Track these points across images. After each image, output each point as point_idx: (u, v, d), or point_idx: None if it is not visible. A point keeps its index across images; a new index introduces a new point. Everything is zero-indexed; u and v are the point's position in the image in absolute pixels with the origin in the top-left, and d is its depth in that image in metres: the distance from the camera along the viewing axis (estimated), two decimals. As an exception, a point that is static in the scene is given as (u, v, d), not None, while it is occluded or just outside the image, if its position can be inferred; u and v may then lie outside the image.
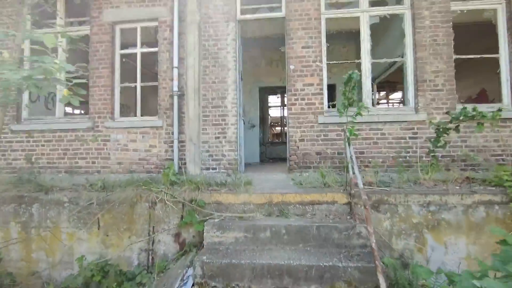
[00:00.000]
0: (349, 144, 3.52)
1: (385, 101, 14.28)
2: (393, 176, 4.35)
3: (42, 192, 4.05)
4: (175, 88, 5.77)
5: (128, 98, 8.93)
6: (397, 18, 6.10)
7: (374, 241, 2.37)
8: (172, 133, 5.78)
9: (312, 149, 5.50)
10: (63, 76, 5.99)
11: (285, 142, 6.26)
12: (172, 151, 5.77)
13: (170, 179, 3.94)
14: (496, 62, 5.64)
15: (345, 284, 2.65)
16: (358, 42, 6.11)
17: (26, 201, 4.02)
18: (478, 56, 5.48)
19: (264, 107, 11.77)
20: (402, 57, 5.76)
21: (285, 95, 8.43)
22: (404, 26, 5.62)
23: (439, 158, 4.86)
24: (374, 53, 5.70)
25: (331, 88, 8.77)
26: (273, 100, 13.37)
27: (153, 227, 3.77)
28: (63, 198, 3.95)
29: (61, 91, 3.54)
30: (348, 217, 3.39)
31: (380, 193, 3.47)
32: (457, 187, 3.64)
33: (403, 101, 13.40)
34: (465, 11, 5.60)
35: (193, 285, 2.84)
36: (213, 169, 5.78)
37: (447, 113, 4.25)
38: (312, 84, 5.57)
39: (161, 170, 5.53)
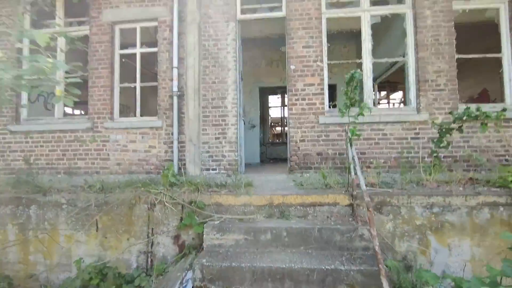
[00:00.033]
0: (351, 145, 3.47)
1: (385, 101, 14.22)
2: (395, 177, 4.30)
3: (40, 194, 4.00)
4: (175, 88, 5.73)
5: (128, 99, 8.88)
6: (398, 18, 6.06)
7: (378, 244, 2.32)
8: (172, 134, 5.73)
9: (313, 150, 5.45)
10: (61, 75, 6.00)
11: (286, 143, 6.21)
12: (172, 151, 5.73)
13: (170, 180, 3.88)
14: (498, 61, 5.59)
15: None
16: (359, 42, 6.07)
17: (23, 203, 3.97)
18: (481, 55, 5.42)
19: (264, 107, 11.74)
20: (404, 57, 5.71)
21: (286, 95, 8.38)
22: (405, 25, 5.57)
23: (441, 159, 4.81)
24: (375, 53, 5.66)
25: (332, 88, 8.72)
26: (274, 100, 13.33)
27: (152, 229, 3.71)
28: (61, 199, 3.90)
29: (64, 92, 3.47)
30: (350, 219, 3.33)
31: (383, 194, 3.42)
32: (461, 188, 3.58)
33: (404, 101, 13.35)
34: (467, 11, 5.56)
35: (192, 288, 2.79)
36: (213, 169, 5.73)
37: (450, 113, 4.20)
38: (313, 84, 5.52)
39: (161, 171, 5.48)
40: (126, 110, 9.69)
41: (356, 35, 8.07)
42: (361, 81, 3.64)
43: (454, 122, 4.01)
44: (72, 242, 3.83)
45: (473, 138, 5.16)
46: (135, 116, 6.16)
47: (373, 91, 5.58)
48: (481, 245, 3.20)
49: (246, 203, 3.60)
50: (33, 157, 6.08)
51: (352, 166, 3.39)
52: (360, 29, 5.66)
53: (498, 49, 5.45)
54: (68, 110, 13.65)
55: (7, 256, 3.95)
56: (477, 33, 7.46)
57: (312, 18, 5.58)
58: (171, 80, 5.79)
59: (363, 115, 3.40)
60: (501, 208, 3.21)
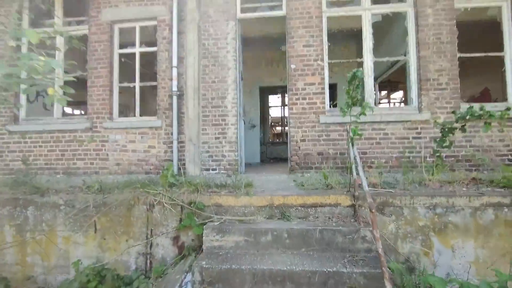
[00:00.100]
0: (352, 145, 3.43)
1: (386, 100, 14.17)
2: (397, 177, 4.25)
3: (37, 195, 3.95)
4: (174, 88, 5.68)
5: (128, 98, 8.84)
6: (399, 16, 6.00)
7: (381, 246, 2.26)
8: (172, 134, 5.69)
9: (314, 150, 5.40)
10: (60, 74, 5.95)
11: (286, 142, 6.16)
12: (172, 151, 5.68)
13: (169, 181, 3.83)
14: (499, 60, 5.54)
15: (350, 290, 2.55)
16: (359, 42, 6.01)
17: (21, 204, 3.92)
18: (483, 54, 5.36)
19: (264, 107, 11.69)
20: (405, 55, 5.66)
21: (286, 95, 8.33)
22: (407, 24, 5.52)
23: (444, 159, 4.75)
24: (376, 52, 5.61)
25: (332, 88, 8.68)
26: (274, 100, 13.27)
27: (151, 230, 3.67)
28: (59, 200, 3.85)
29: (57, 91, 3.42)
30: (352, 220, 3.28)
31: (385, 195, 3.36)
32: (464, 189, 3.53)
33: (404, 101, 13.30)
34: (469, 9, 5.51)
35: (192, 291, 2.74)
36: (213, 170, 5.68)
37: (452, 112, 4.14)
38: (313, 84, 5.47)
39: (160, 171, 5.44)
40: (126, 110, 9.65)
41: (356, 34, 8.04)
42: (362, 80, 3.58)
43: (457, 121, 3.95)
44: (70, 244, 3.78)
45: (476, 138, 5.11)
46: (134, 116, 6.11)
47: (374, 90, 5.52)
48: (485, 246, 3.14)
49: (246, 204, 3.55)
50: (32, 158, 6.04)
51: (354, 166, 3.34)
52: (361, 28, 5.61)
53: (500, 48, 5.40)
54: (68, 110, 13.63)
55: (5, 257, 3.90)
56: (479, 32, 7.42)
57: (313, 17, 5.52)
58: (171, 79, 5.75)
59: (365, 114, 3.35)
60: (506, 209, 3.16)
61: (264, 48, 9.58)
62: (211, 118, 5.72)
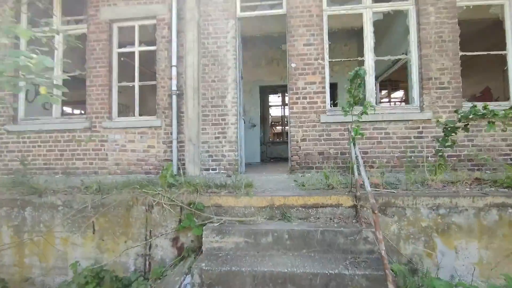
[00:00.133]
0: (354, 144, 3.38)
1: (386, 99, 14.13)
2: (399, 177, 4.20)
3: (35, 195, 3.90)
4: (174, 87, 5.64)
5: (128, 98, 8.77)
6: (401, 15, 5.95)
7: (384, 248, 2.22)
8: (171, 133, 5.64)
9: (314, 149, 5.35)
10: (60, 72, 5.91)
11: (286, 142, 6.13)
12: (171, 151, 5.64)
13: (168, 181, 3.79)
14: (500, 59, 5.49)
15: (352, 292, 2.50)
16: (360, 40, 5.97)
17: (18, 204, 3.87)
18: (485, 52, 5.31)
19: (264, 106, 11.65)
20: (406, 54, 5.61)
21: (286, 94, 8.28)
22: (408, 22, 5.48)
23: (446, 158, 4.70)
24: (376, 51, 5.56)
25: (333, 87, 8.63)
26: (274, 99, 13.23)
27: (150, 231, 3.62)
28: (57, 201, 3.80)
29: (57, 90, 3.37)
30: (354, 220, 3.23)
31: (387, 195, 3.31)
32: (467, 189, 3.48)
33: (405, 100, 13.26)
34: (471, 7, 5.45)
35: (191, 293, 2.70)
36: (213, 169, 5.64)
37: (455, 111, 4.10)
38: (314, 83, 5.43)
39: (160, 171, 5.39)
40: (126, 109, 9.59)
41: (357, 33, 8.01)
42: (363, 79, 3.53)
43: (459, 120, 3.90)
44: (68, 245, 3.73)
45: (478, 137, 5.07)
46: (134, 115, 6.06)
47: (375, 89, 5.47)
48: (489, 247, 3.09)
49: (247, 204, 3.50)
50: (31, 158, 6.00)
51: (355, 166, 3.30)
52: (362, 26, 5.56)
53: (503, 47, 5.34)
54: (68, 110, 13.58)
55: (2, 259, 3.86)
56: (481, 30, 7.37)
57: (313, 15, 5.48)
58: (170, 79, 5.70)
59: (367, 113, 3.30)
60: (510, 210, 3.11)
61: (264, 47, 9.55)
62: (211, 118, 5.68)
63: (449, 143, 3.94)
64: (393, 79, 11.08)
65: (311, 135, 5.37)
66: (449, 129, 3.94)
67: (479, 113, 3.64)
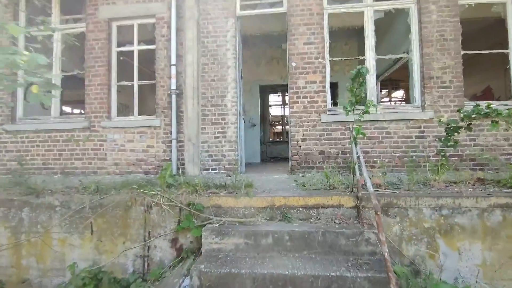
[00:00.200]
0: (355, 144, 3.33)
1: (387, 99, 14.08)
2: (401, 177, 4.15)
3: (33, 196, 3.85)
4: (173, 87, 5.59)
5: (128, 98, 8.73)
6: (402, 13, 5.90)
7: (387, 250, 2.17)
8: (170, 133, 5.59)
9: (315, 149, 5.30)
10: (58, 72, 5.86)
11: (286, 141, 6.08)
12: (171, 151, 5.59)
13: (167, 181, 3.74)
14: (502, 58, 5.43)
15: (354, 295, 2.46)
16: (360, 39, 5.91)
17: (16, 205, 3.83)
18: (488, 51, 5.25)
19: (264, 106, 11.61)
20: (408, 53, 5.56)
21: (286, 93, 8.23)
22: (409, 21, 5.42)
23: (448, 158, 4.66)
24: (377, 50, 5.50)
25: (333, 86, 8.58)
26: (274, 98, 13.19)
27: (149, 232, 3.57)
28: (55, 201, 3.76)
29: (56, 90, 3.32)
30: (355, 221, 3.19)
31: (389, 195, 3.27)
32: (470, 189, 3.44)
33: (406, 99, 13.20)
34: (473, 5, 5.40)
35: (190, 295, 2.65)
36: (212, 169, 5.59)
37: (458, 110, 4.05)
38: (314, 82, 5.38)
39: (159, 171, 5.35)
40: (125, 109, 9.53)
41: (357, 32, 7.96)
42: (365, 78, 3.47)
43: (462, 120, 3.85)
44: (66, 246, 3.68)
45: (480, 137, 5.02)
46: (133, 115, 6.01)
47: (376, 88, 5.43)
48: (492, 249, 3.05)
49: (246, 205, 3.45)
50: (29, 157, 5.96)
51: (357, 166, 3.25)
52: (363, 25, 5.51)
53: (505, 45, 5.29)
54: (67, 110, 13.53)
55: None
56: (482, 29, 7.32)
57: (314, 14, 5.42)
58: (169, 78, 5.65)
59: (368, 113, 3.25)
60: (514, 210, 3.07)
61: (264, 46, 9.50)
62: (211, 117, 5.63)
63: (451, 143, 3.88)
64: (394, 78, 11.04)
65: (312, 134, 5.32)
66: (451, 128, 3.89)
67: (482, 112, 3.58)
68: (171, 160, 5.53)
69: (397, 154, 5.13)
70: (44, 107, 7.22)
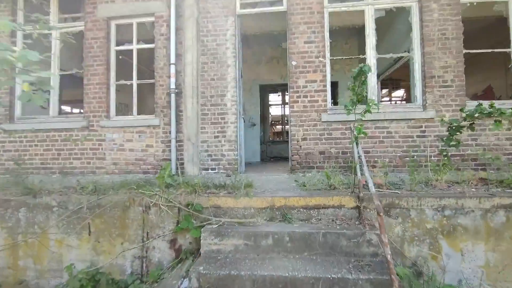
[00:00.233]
0: (357, 144, 3.28)
1: (387, 98, 14.04)
2: (402, 177, 4.11)
3: (30, 196, 3.81)
4: (173, 86, 5.54)
5: (127, 97, 8.69)
6: (403, 11, 5.85)
7: (390, 252, 2.12)
8: (170, 132, 5.54)
9: (315, 149, 5.26)
10: (56, 71, 5.81)
11: (286, 141, 6.04)
12: (170, 151, 5.54)
13: (166, 181, 3.69)
14: (503, 58, 5.39)
15: (356, 298, 2.41)
16: (361, 38, 5.86)
17: (12, 205, 3.79)
18: (489, 50, 5.21)
19: (264, 105, 11.55)
20: (409, 52, 5.51)
21: (286, 93, 8.18)
22: (411, 19, 5.37)
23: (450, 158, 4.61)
24: (378, 48, 5.45)
25: (333, 86, 8.54)
26: (274, 98, 13.15)
27: (147, 232, 3.53)
28: (52, 202, 3.71)
29: (49, 88, 3.27)
30: (357, 222, 3.14)
31: (391, 196, 3.23)
32: (473, 189, 3.39)
33: (406, 99, 13.16)
34: (475, 3, 5.34)
35: (189, 297, 2.61)
36: (212, 169, 5.55)
37: (461, 110, 4.01)
38: (315, 81, 5.33)
39: (158, 170, 5.30)
40: (125, 108, 9.49)
41: (358, 31, 7.91)
42: (366, 77, 3.42)
43: (465, 119, 3.81)
44: (63, 247, 3.64)
45: (482, 136, 4.98)
46: (132, 114, 5.97)
47: (376, 88, 5.38)
48: (496, 250, 3.00)
49: (246, 205, 3.40)
50: (27, 157, 5.91)
51: (358, 166, 3.20)
52: (363, 24, 5.46)
53: (507, 44, 5.24)
54: (67, 109, 13.47)
55: (-4, 261, 3.77)
56: (484, 28, 7.27)
57: (314, 12, 5.38)
58: (169, 77, 5.61)
59: (370, 112, 3.20)
60: (517, 211, 3.02)
61: (264, 45, 9.45)
62: (210, 117, 5.58)
63: (454, 142, 3.84)
64: (394, 77, 11.00)
65: (312, 134, 5.27)
66: (454, 128, 3.84)
67: (485, 112, 3.54)
68: (170, 160, 5.48)
69: (398, 154, 5.08)
70: (43, 106, 7.19)
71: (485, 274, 2.98)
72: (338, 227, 3.01)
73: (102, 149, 5.81)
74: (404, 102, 13.22)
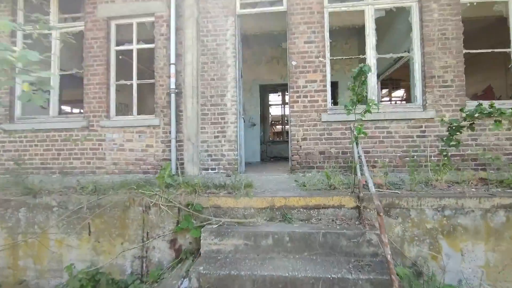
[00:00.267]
0: (357, 144, 3.28)
1: (387, 98, 14.04)
2: (402, 177, 4.11)
3: (30, 196, 3.81)
4: (173, 86, 5.54)
5: (128, 97, 8.69)
6: (403, 11, 5.85)
7: (390, 253, 2.12)
8: (170, 132, 5.54)
9: (315, 149, 5.26)
10: (57, 70, 5.81)
11: (286, 141, 6.04)
12: (170, 151, 5.54)
13: (165, 182, 3.69)
14: (503, 58, 5.38)
15: (356, 298, 2.41)
16: (361, 38, 5.86)
17: (12, 205, 3.79)
18: (489, 50, 5.20)
19: (264, 105, 11.55)
20: (409, 52, 5.51)
21: (286, 93, 8.18)
22: (411, 19, 5.37)
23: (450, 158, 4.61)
24: (378, 48, 5.45)
25: (333, 86, 8.54)
26: (274, 98, 13.14)
27: (147, 233, 3.53)
28: (52, 202, 3.71)
29: (49, 88, 3.27)
30: (357, 222, 3.14)
31: (391, 196, 3.23)
32: (473, 189, 3.39)
33: (406, 99, 13.16)
34: (475, 3, 5.34)
35: (189, 298, 2.61)
36: (212, 169, 5.55)
37: (461, 110, 4.01)
38: (315, 81, 5.33)
39: (158, 170, 5.30)
40: (125, 108, 9.49)
41: (358, 31, 7.91)
42: (366, 77, 3.42)
43: (465, 119, 3.80)
44: (63, 247, 3.64)
45: (482, 136, 4.98)
46: (132, 114, 5.97)
47: (376, 88, 5.38)
48: (496, 250, 3.00)
49: (246, 205, 3.40)
50: (27, 157, 5.91)
51: (358, 166, 3.20)
52: (363, 24, 5.46)
53: (507, 44, 5.24)
54: (67, 109, 13.48)
55: (-4, 261, 3.77)
56: (484, 28, 7.27)
57: (314, 12, 5.38)
58: (169, 77, 5.61)
59: (370, 112, 3.20)
60: (518, 211, 3.02)
61: (264, 45, 9.45)
62: (210, 117, 5.58)
63: (454, 142, 3.84)
64: (394, 77, 11.00)
65: (312, 134, 5.27)
66: (454, 128, 3.84)
67: (485, 112, 3.54)
68: (170, 160, 5.48)
69: (398, 154, 5.08)
70: (43, 106, 7.19)
71: (485, 274, 2.98)
72: (338, 227, 3.01)
73: (102, 149, 5.81)
74: (404, 102, 13.22)
